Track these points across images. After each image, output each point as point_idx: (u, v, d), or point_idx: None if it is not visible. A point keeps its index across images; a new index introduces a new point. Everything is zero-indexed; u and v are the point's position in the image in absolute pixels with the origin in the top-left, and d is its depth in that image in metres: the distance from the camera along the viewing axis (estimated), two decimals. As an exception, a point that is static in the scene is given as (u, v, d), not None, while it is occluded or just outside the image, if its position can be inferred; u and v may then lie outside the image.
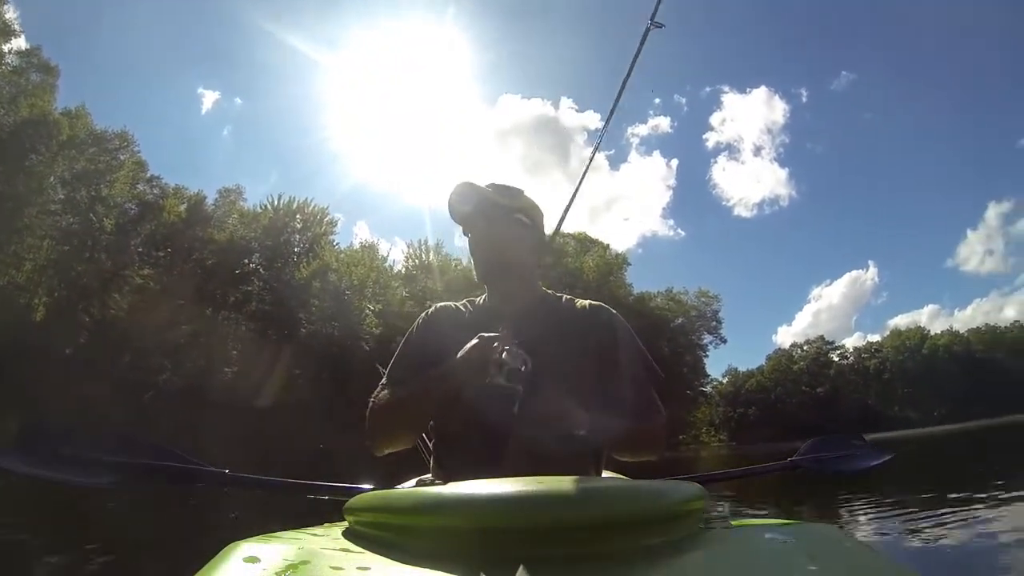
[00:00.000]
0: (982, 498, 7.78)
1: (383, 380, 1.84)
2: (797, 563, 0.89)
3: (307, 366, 34.22)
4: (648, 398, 1.86)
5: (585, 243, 56.46)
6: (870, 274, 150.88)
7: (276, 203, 43.52)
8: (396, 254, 67.80)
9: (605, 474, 1.93)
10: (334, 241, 45.37)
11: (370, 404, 1.80)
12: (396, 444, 1.80)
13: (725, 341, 69.05)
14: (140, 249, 37.58)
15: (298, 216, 43.95)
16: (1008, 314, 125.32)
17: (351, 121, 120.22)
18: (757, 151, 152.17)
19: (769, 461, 2.61)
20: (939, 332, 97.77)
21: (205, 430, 23.85)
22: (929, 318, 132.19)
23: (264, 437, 23.68)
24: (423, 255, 48.03)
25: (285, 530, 1.10)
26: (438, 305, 2.00)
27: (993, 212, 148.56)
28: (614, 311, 1.94)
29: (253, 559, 0.85)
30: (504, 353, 1.50)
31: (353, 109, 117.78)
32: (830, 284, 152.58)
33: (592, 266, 53.44)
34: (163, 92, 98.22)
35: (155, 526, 6.69)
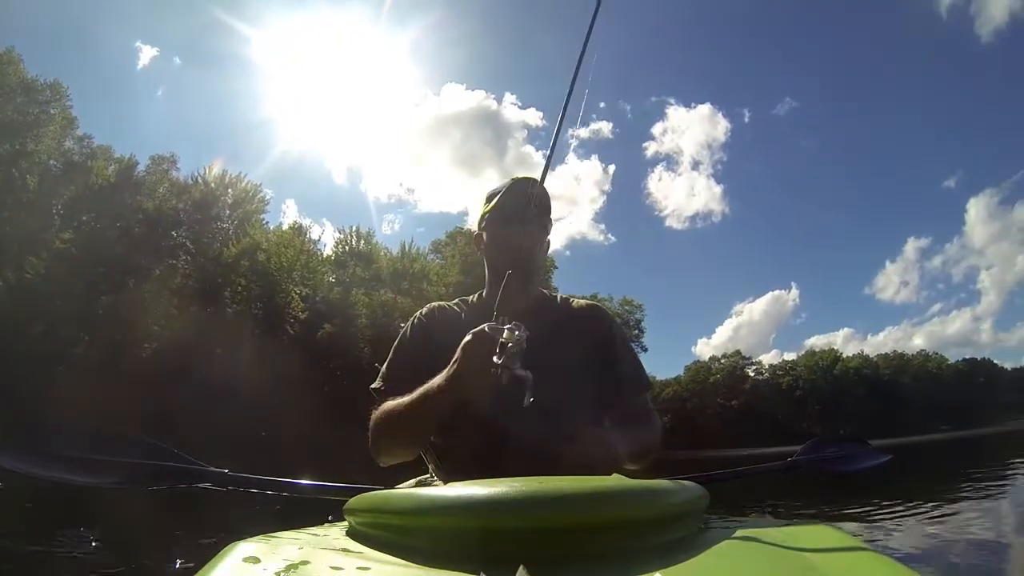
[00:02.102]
0: (958, 501, 8.60)
1: (379, 383, 1.84)
2: (797, 563, 0.89)
3: (230, 346, 33.35)
4: (645, 404, 1.94)
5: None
6: (792, 295, 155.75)
7: (208, 176, 42.42)
8: (323, 235, 66.95)
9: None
10: (264, 220, 44.56)
11: (372, 415, 1.78)
12: (399, 457, 1.80)
13: (646, 350, 70.57)
14: (63, 211, 35.39)
15: (230, 191, 42.90)
16: (916, 343, 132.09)
17: (288, 97, 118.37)
18: (695, 165, 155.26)
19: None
20: (851, 355, 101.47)
21: (118, 408, 22.94)
22: (843, 341, 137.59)
23: (184, 419, 22.95)
24: (354, 241, 47.62)
25: (285, 530, 1.13)
26: (432, 305, 2.00)
27: (912, 247, 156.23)
28: (609, 312, 2.01)
29: (253, 559, 0.86)
30: (506, 332, 1.44)
31: (291, 85, 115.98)
32: (753, 301, 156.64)
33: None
34: (96, 40, 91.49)
35: (155, 526, 6.71)
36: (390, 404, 1.71)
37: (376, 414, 1.76)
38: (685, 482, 1.17)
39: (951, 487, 11.09)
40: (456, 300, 2.01)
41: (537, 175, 1.86)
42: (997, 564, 5.30)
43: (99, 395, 24.74)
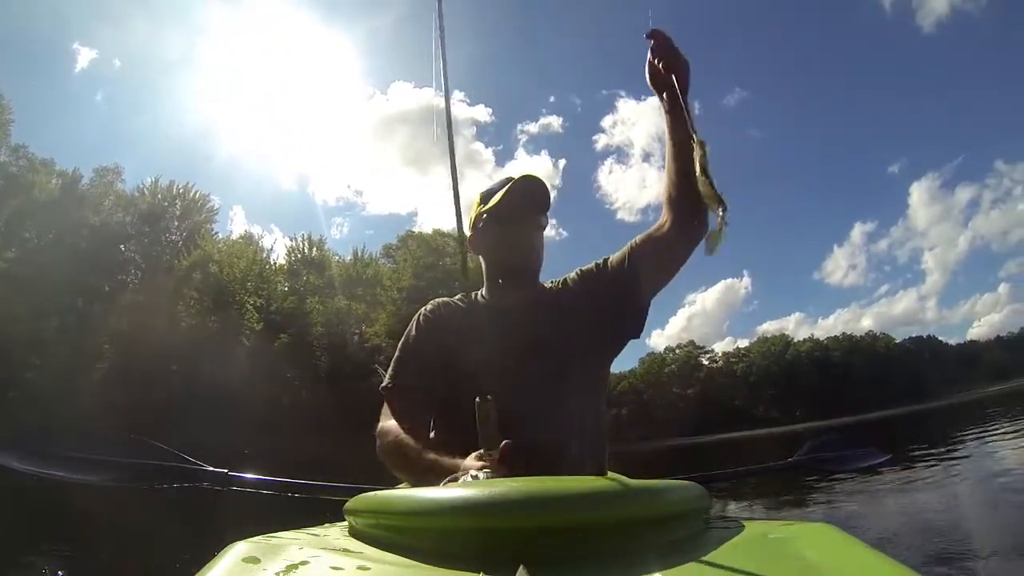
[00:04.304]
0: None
1: (388, 382, 1.80)
2: (798, 563, 0.89)
3: (186, 363, 32.86)
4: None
5: (466, 244, 55.47)
6: (744, 283, 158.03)
7: (155, 187, 41.72)
8: (271, 242, 66.22)
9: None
10: (213, 230, 44.13)
11: (379, 428, 1.74)
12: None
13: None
14: (3, 229, 33.74)
15: (178, 202, 42.30)
16: (865, 324, 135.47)
17: (233, 100, 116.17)
18: (646, 157, 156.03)
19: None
20: (802, 339, 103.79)
21: (71, 431, 22.52)
22: (795, 325, 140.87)
23: (143, 441, 22.50)
24: (305, 249, 47.18)
25: (285, 530, 1.12)
26: (436, 300, 1.95)
27: (858, 231, 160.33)
28: (591, 267, 1.91)
29: (253, 559, 0.85)
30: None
31: (236, 88, 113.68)
32: (705, 291, 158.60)
33: (472, 267, 51.95)
34: (30, 41, 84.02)
35: (155, 526, 6.68)
36: (403, 444, 1.66)
37: (387, 438, 1.72)
38: (685, 482, 1.16)
39: (909, 459, 11.53)
40: (459, 295, 1.94)
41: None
42: (963, 533, 5.63)
43: (53, 420, 24.22)
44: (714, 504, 1.26)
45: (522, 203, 1.80)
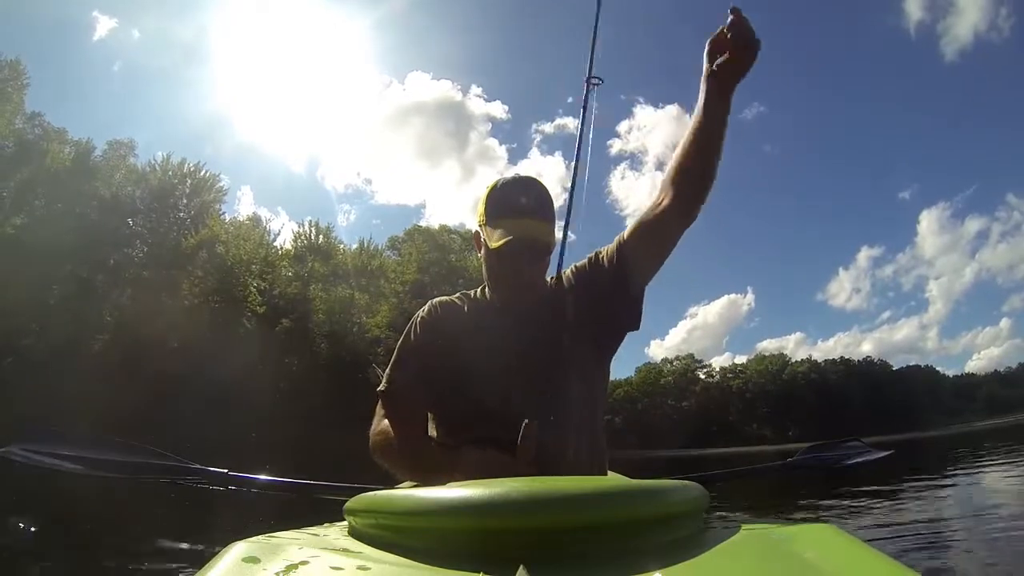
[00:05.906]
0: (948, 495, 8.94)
1: (384, 386, 1.78)
2: (797, 563, 0.89)
3: (186, 340, 32.63)
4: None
5: (471, 241, 54.38)
6: (747, 299, 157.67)
7: (166, 163, 41.59)
8: (278, 225, 66.08)
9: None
10: (221, 210, 43.88)
11: (373, 428, 1.76)
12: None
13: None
14: (13, 195, 33.27)
15: (188, 180, 42.08)
16: (865, 349, 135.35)
17: (247, 80, 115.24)
18: (659, 165, 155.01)
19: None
20: (799, 360, 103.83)
21: (67, 401, 22.66)
22: (795, 345, 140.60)
23: (136, 415, 22.39)
24: (312, 236, 47.05)
25: (285, 530, 1.13)
26: (433, 302, 1.92)
27: (864, 255, 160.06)
28: (586, 263, 1.89)
29: (253, 559, 0.85)
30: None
31: (251, 67, 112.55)
32: (708, 304, 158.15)
33: (476, 265, 51.67)
34: (48, 7, 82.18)
35: (155, 527, 6.66)
36: (393, 444, 1.69)
37: (381, 439, 1.73)
38: (685, 482, 1.16)
39: (909, 468, 11.92)
40: (458, 294, 1.95)
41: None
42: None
43: (49, 387, 24.22)
44: (714, 504, 1.26)
45: (524, 210, 1.75)
